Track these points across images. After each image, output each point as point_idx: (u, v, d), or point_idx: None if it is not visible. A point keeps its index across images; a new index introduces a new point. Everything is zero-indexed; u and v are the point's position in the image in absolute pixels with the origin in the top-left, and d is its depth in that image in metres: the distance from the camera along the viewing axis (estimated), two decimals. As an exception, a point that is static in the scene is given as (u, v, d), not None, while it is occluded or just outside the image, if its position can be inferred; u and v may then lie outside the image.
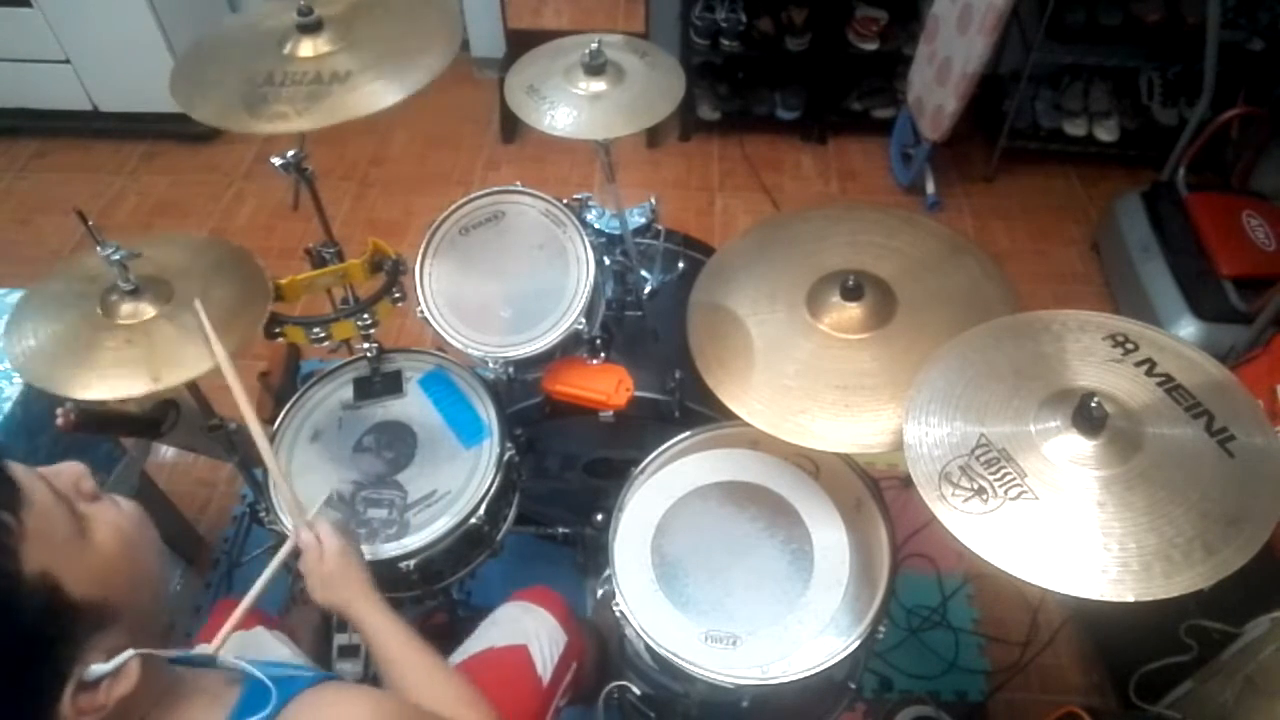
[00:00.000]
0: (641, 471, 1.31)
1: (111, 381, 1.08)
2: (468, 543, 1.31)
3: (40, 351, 1.11)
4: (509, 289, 1.36)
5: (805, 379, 1.16)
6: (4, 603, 0.53)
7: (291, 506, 1.12)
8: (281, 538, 1.24)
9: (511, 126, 3.04)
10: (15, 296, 1.63)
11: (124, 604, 0.60)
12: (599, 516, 1.29)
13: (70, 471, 0.63)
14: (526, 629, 1.27)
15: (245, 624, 1.28)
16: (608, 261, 1.54)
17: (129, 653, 0.59)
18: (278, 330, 1.27)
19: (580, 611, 1.58)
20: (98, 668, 0.57)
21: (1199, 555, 0.85)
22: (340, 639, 1.28)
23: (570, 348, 1.44)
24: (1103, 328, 1.07)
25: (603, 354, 1.45)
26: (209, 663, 0.73)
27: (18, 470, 0.58)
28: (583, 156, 2.90)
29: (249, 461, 1.43)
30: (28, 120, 3.04)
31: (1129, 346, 1.04)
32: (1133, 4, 2.60)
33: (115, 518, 0.63)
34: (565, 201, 1.39)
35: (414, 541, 1.25)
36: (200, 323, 1.07)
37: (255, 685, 0.69)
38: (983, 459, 0.96)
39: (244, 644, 1.25)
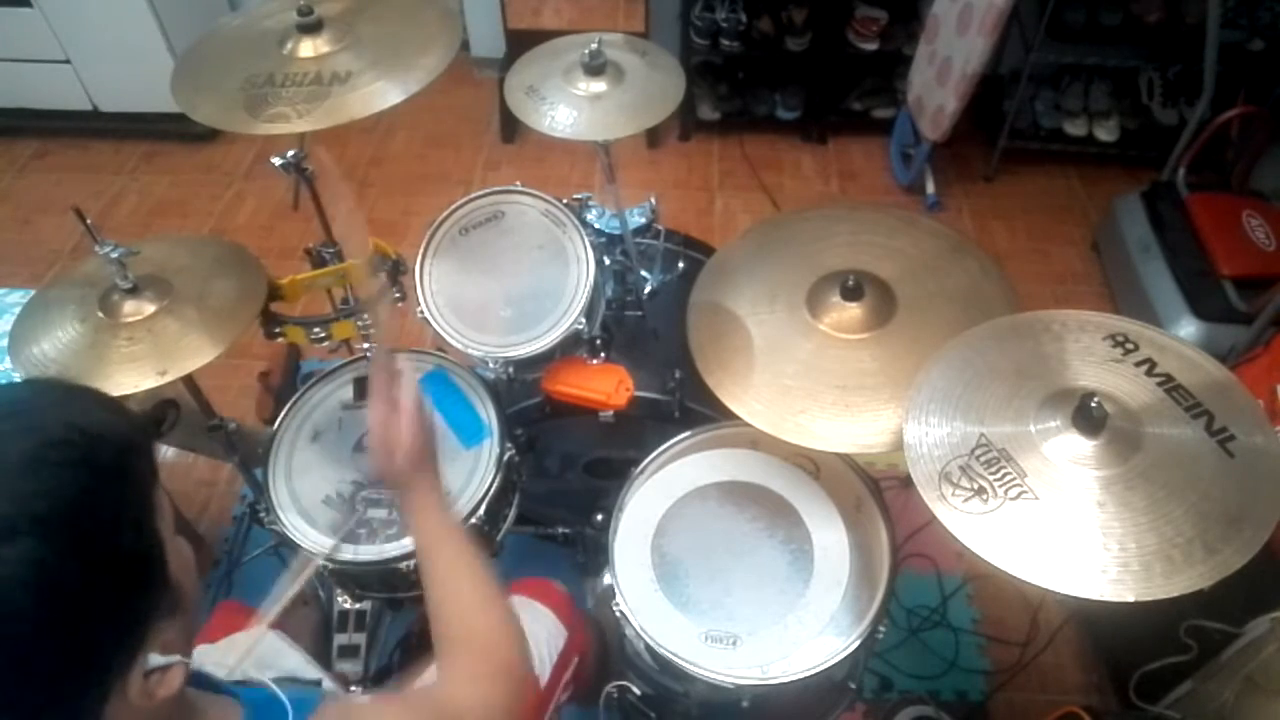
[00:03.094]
0: (641, 471, 1.31)
1: (117, 379, 1.08)
2: (468, 543, 1.31)
3: (45, 356, 1.11)
4: (509, 289, 1.36)
5: (805, 379, 1.16)
6: (139, 535, 0.56)
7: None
8: (283, 537, 1.24)
9: (511, 126, 3.04)
10: (15, 296, 1.63)
11: (187, 604, 0.62)
12: (599, 516, 1.29)
13: None
14: (524, 627, 1.27)
15: (243, 626, 1.28)
16: (608, 261, 1.54)
17: (178, 657, 0.60)
18: (278, 330, 1.27)
19: (581, 606, 1.58)
20: (155, 658, 0.58)
21: (1199, 555, 0.85)
22: (340, 639, 1.28)
23: (570, 348, 1.44)
24: (1103, 328, 1.07)
25: (603, 354, 1.45)
26: (214, 686, 0.73)
27: None
28: (583, 156, 2.89)
29: (249, 461, 1.43)
30: (28, 120, 3.03)
31: (1129, 346, 1.04)
32: (1133, 4, 2.60)
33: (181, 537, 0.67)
34: (565, 201, 1.39)
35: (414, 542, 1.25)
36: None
37: (263, 706, 0.70)
38: (983, 459, 0.96)
39: (241, 644, 1.24)
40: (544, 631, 1.27)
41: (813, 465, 1.28)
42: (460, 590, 0.88)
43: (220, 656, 1.19)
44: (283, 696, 0.70)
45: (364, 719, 0.76)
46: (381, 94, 1.17)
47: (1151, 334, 1.05)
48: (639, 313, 1.59)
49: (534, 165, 2.96)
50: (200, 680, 0.73)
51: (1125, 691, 1.54)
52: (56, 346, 1.13)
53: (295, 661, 1.25)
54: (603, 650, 1.44)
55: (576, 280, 1.34)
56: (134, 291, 1.16)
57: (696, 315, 1.28)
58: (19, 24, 2.73)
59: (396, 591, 1.31)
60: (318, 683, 1.19)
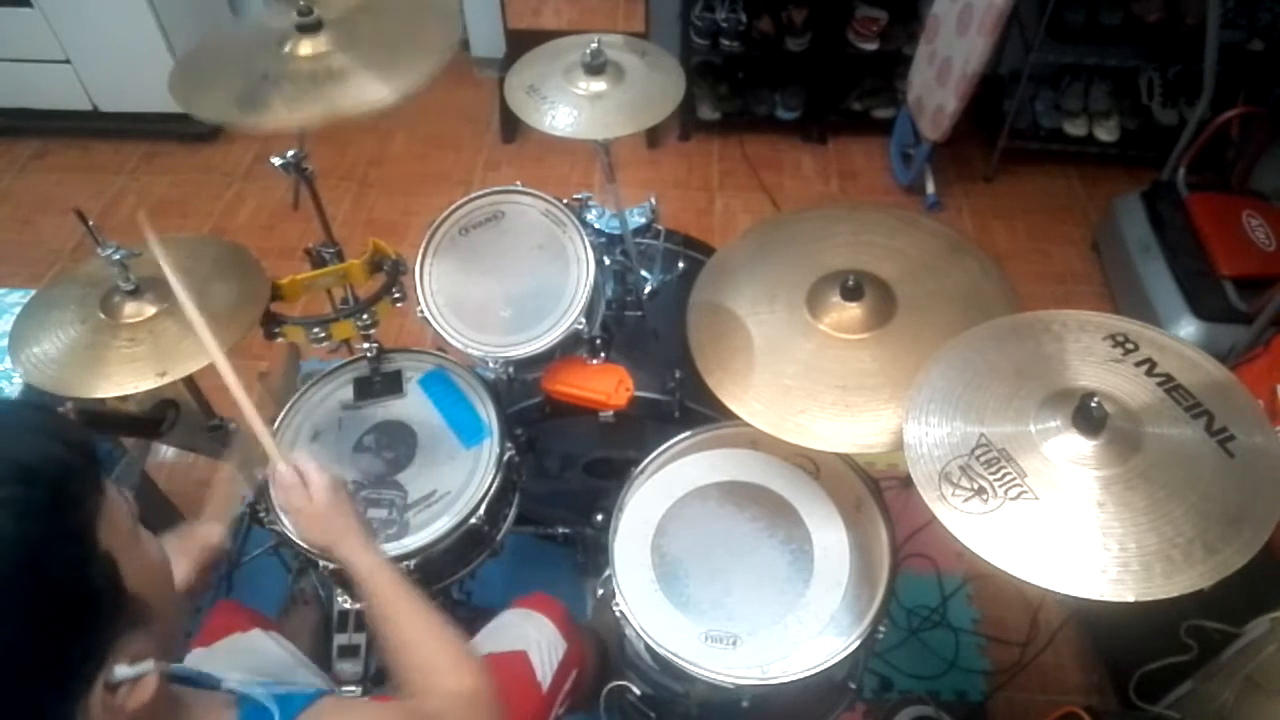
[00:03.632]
0: (641, 471, 1.31)
1: (117, 379, 1.08)
2: (468, 543, 1.31)
3: (46, 356, 1.12)
4: (509, 289, 1.36)
5: (805, 379, 1.16)
6: (79, 569, 0.54)
7: (266, 439, 1.03)
8: (283, 537, 1.24)
9: (511, 126, 3.04)
10: (15, 296, 1.63)
11: (158, 611, 0.61)
12: (599, 516, 1.29)
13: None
14: (527, 635, 1.27)
15: (243, 627, 1.27)
16: (608, 261, 1.54)
17: (150, 663, 0.59)
18: (278, 330, 1.27)
19: (580, 613, 1.58)
20: (122, 670, 0.57)
21: (1199, 555, 0.85)
22: (340, 639, 1.28)
23: (570, 348, 1.44)
24: (1103, 328, 1.07)
25: (603, 354, 1.45)
26: (213, 684, 0.73)
27: None
28: (583, 156, 2.90)
29: (249, 461, 1.42)
30: (28, 120, 3.04)
31: (1129, 346, 1.04)
32: (1133, 4, 2.60)
33: (152, 537, 0.66)
34: (565, 201, 1.39)
35: (414, 541, 1.25)
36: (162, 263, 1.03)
37: (254, 707, 0.70)
38: (983, 459, 0.95)
39: (242, 648, 1.24)
40: (545, 640, 1.27)
41: (813, 465, 1.28)
42: (412, 625, 0.92)
43: (217, 662, 1.19)
44: (264, 700, 0.70)
45: (358, 715, 0.77)
46: (373, 92, 1.16)
47: (1151, 334, 1.05)
48: (639, 313, 1.59)
49: (534, 165, 2.97)
50: (191, 678, 0.73)
51: (1125, 691, 1.54)
52: (57, 346, 1.13)
53: (293, 669, 1.25)
54: (601, 665, 1.44)
55: (576, 280, 1.34)
56: (135, 293, 1.16)
57: (696, 315, 1.28)
58: (19, 24, 2.73)
59: (396, 591, 1.31)
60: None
